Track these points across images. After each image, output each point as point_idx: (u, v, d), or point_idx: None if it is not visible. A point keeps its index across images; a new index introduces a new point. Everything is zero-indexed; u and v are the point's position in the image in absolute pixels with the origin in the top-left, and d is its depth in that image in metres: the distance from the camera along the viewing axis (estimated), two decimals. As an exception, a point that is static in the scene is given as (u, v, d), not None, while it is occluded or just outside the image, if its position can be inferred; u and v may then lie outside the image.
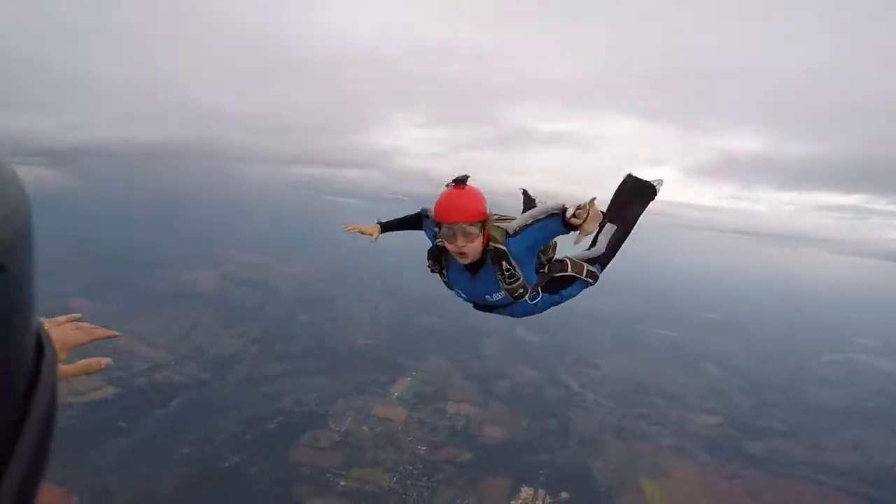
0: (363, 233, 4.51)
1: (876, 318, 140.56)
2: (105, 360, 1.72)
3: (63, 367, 1.63)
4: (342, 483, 42.37)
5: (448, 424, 54.25)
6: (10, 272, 0.58)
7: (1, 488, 0.57)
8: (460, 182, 3.62)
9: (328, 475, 42.98)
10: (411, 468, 45.71)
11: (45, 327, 1.62)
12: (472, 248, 3.59)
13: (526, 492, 44.55)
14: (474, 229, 3.54)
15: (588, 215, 3.14)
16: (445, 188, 3.68)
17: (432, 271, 4.17)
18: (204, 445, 44.14)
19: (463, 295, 4.22)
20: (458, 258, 3.71)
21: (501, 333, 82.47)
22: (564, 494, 44.61)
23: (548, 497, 44.11)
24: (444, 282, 4.22)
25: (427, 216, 4.24)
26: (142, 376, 54.23)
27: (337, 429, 50.01)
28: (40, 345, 0.69)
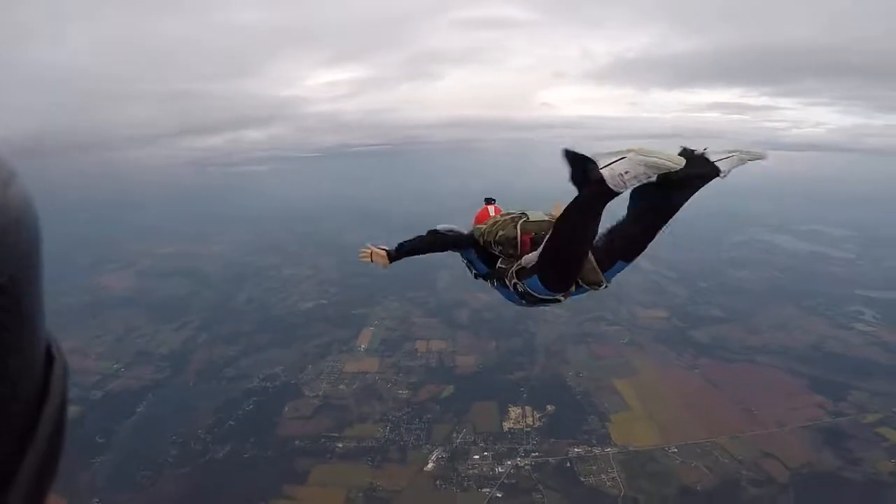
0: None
1: (763, 201, 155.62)
2: None
3: None
4: (339, 445, 42.18)
5: (422, 364, 54.93)
6: (18, 284, 0.56)
7: (9, 500, 0.57)
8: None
9: (323, 441, 42.58)
10: (400, 414, 46.19)
11: None
12: None
13: (514, 411, 46.50)
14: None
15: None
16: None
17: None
18: (189, 442, 42.11)
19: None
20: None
21: (452, 266, 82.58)
22: (549, 407, 46.89)
23: (535, 412, 46.27)
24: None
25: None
26: (96, 389, 50.09)
27: (314, 394, 49.09)
28: (50, 357, 0.69)
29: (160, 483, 37.68)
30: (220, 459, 40.28)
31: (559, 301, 4.88)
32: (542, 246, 4.49)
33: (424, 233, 5.24)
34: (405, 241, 5.25)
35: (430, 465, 39.71)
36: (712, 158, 4.04)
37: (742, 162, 4.20)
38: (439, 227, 5.30)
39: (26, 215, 0.60)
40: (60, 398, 0.68)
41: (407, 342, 59.42)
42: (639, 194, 4.11)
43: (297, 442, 42.29)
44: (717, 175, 4.07)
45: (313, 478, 38.38)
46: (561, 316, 66.17)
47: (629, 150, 3.65)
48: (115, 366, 54.51)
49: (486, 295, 72.37)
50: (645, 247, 4.43)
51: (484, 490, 37.23)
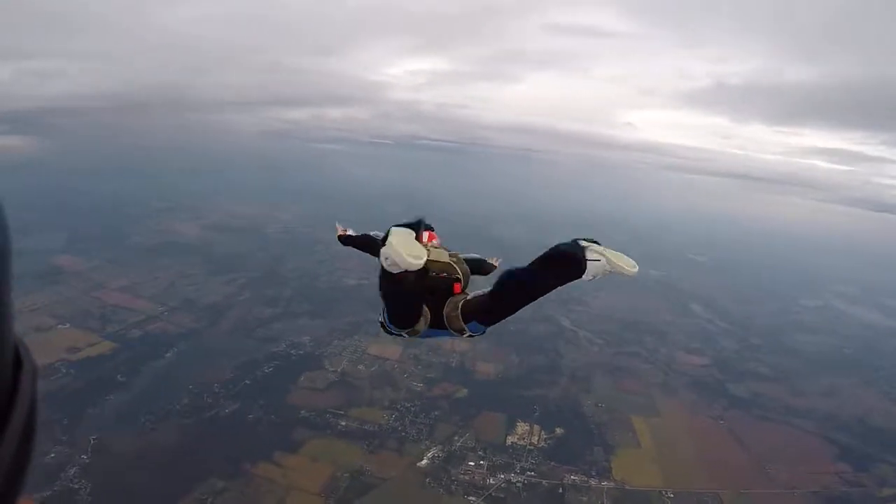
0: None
1: (854, 266, 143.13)
2: None
3: None
4: (342, 423, 43.20)
5: (442, 361, 54.99)
6: None
7: None
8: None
9: (328, 416, 43.75)
10: (409, 405, 46.66)
11: None
12: None
13: (522, 427, 45.81)
14: None
15: None
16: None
17: None
18: (202, 394, 44.35)
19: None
20: None
21: (494, 274, 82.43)
22: (559, 430, 45.91)
23: (543, 432, 45.36)
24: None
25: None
26: (136, 328, 53.84)
27: (333, 369, 50.55)
28: (18, 359, 0.67)
29: (160, 430, 39.66)
30: (225, 416, 42.18)
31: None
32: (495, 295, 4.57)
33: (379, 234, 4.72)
34: (361, 235, 5.35)
35: (423, 462, 39.86)
36: (588, 257, 3.94)
37: (607, 273, 4.04)
38: (373, 233, 5.22)
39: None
40: (29, 404, 0.66)
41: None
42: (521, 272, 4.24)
43: (302, 412, 43.65)
44: (580, 277, 3.97)
45: (306, 449, 39.51)
46: (595, 343, 64.43)
47: (603, 254, 3.89)
48: (160, 309, 58.60)
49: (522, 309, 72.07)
50: (500, 320, 4.69)
51: (469, 498, 37.00)
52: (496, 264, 5.57)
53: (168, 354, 50.04)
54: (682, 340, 68.60)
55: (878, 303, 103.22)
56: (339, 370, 50.47)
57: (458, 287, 4.72)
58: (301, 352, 53.04)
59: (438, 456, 40.68)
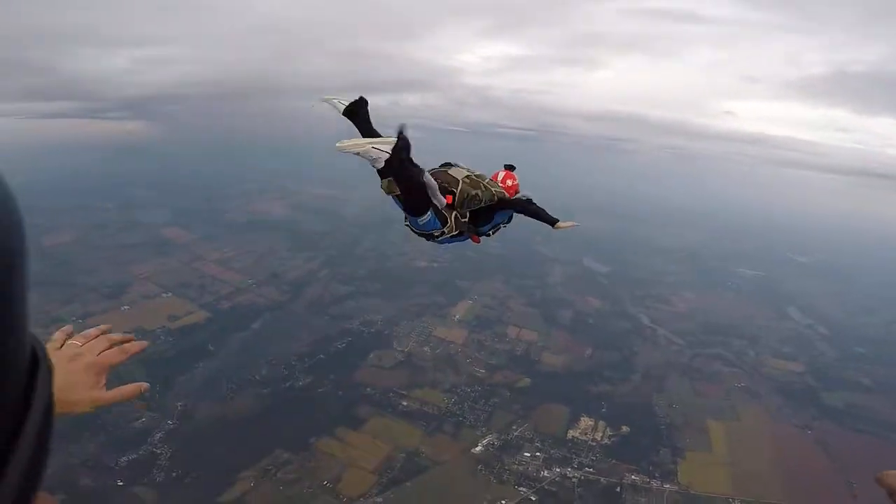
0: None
1: None
2: (144, 385, 1.86)
3: (100, 395, 1.70)
4: (403, 403, 44.83)
5: (507, 349, 55.02)
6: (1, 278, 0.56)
7: None
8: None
9: (391, 395, 45.53)
10: (469, 390, 47.31)
11: (77, 343, 1.80)
12: None
13: (585, 421, 44.77)
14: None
15: None
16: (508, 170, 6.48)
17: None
18: (279, 366, 47.69)
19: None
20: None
21: (567, 262, 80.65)
22: (624, 428, 44.43)
23: (608, 429, 44.06)
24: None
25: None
26: (226, 300, 58.84)
27: (400, 349, 52.40)
28: (35, 361, 0.67)
29: (239, 398, 42.99)
30: (298, 388, 45.14)
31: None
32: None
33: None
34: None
35: (478, 448, 40.42)
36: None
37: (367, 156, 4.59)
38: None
39: (5, 219, 0.58)
40: (46, 401, 0.67)
41: (499, 324, 59.86)
42: None
43: (368, 389, 45.72)
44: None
45: (368, 427, 41.42)
46: (675, 343, 61.14)
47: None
48: (250, 281, 63.64)
49: (599, 301, 70.75)
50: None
51: (520, 489, 37.09)
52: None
53: (254, 325, 54.29)
54: (774, 345, 63.17)
55: None
56: (405, 350, 52.21)
57: (448, 198, 5.45)
58: (371, 330, 55.43)
59: (493, 444, 41.04)
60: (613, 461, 40.43)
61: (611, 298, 70.93)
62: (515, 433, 42.37)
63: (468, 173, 5.70)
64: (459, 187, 5.51)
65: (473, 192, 5.56)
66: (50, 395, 0.70)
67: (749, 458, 42.36)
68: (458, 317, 60.46)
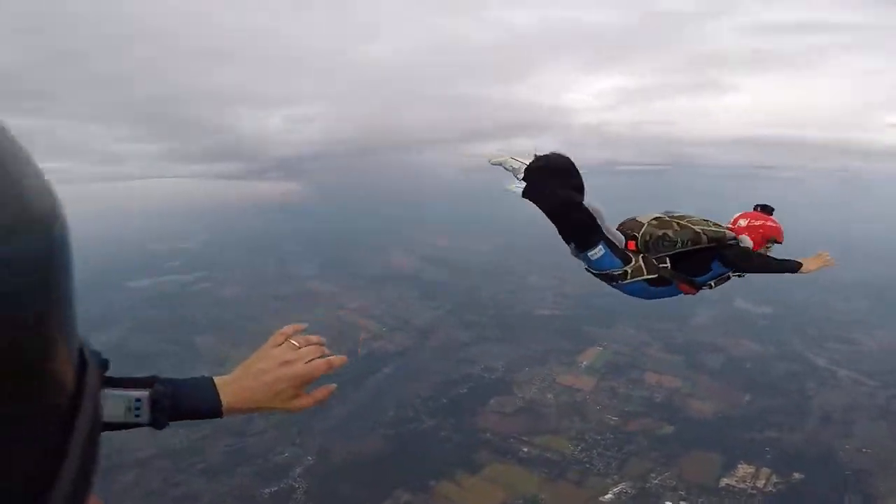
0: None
1: None
2: (333, 386, 1.97)
3: (299, 402, 1.88)
4: (524, 449, 42.89)
5: (645, 395, 50.39)
6: (48, 283, 0.56)
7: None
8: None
9: (511, 440, 43.99)
10: (599, 437, 43.84)
11: (295, 345, 1.92)
12: None
13: (744, 469, 38.68)
14: None
15: None
16: (766, 213, 5.39)
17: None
18: (406, 409, 49.18)
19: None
20: None
21: (715, 303, 72.32)
22: (797, 475, 37.95)
23: (774, 476, 37.62)
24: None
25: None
26: (362, 347, 62.67)
27: (521, 395, 50.81)
28: (83, 360, 0.68)
29: (369, 438, 44.59)
30: (422, 431, 45.71)
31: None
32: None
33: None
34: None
35: (608, 496, 36.70)
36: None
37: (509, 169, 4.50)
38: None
39: (54, 215, 0.59)
40: (94, 404, 0.67)
41: (634, 370, 55.23)
42: None
43: (487, 434, 44.71)
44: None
45: (486, 472, 40.05)
46: (862, 384, 50.54)
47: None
48: (383, 329, 67.61)
49: (757, 344, 61.51)
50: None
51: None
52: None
53: (385, 370, 56.99)
54: None
55: None
56: (527, 397, 50.45)
57: (630, 244, 4.80)
58: (493, 376, 54.76)
59: (627, 492, 37.01)
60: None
61: (774, 341, 61.22)
62: (655, 481, 37.85)
63: (660, 215, 4.97)
64: (643, 229, 4.78)
65: (660, 233, 4.71)
66: (97, 395, 0.68)
67: None
68: (585, 364, 57.00)
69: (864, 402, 47.94)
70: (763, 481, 37.24)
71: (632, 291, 4.82)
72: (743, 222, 5.20)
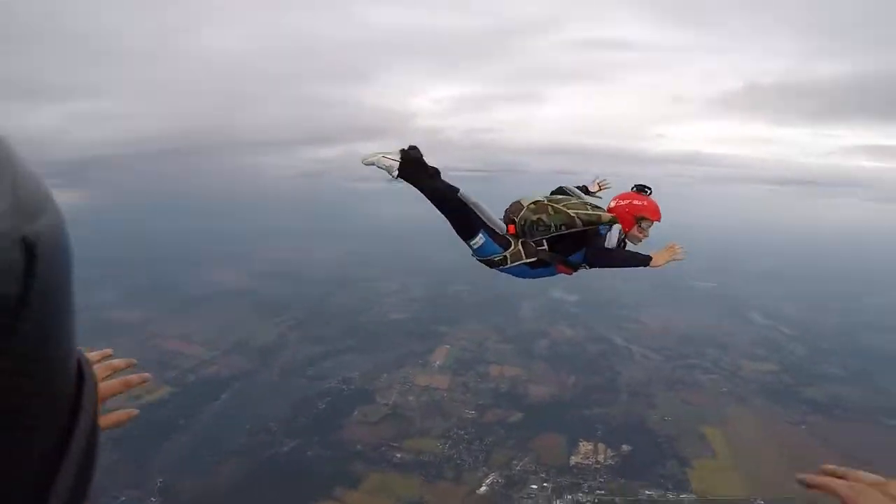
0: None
1: None
2: (134, 412, 1.70)
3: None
4: (398, 455, 42.73)
5: (492, 387, 54.28)
6: (49, 292, 0.55)
7: None
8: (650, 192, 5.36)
9: (383, 448, 43.43)
10: (462, 433, 45.81)
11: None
12: None
13: (585, 446, 44.03)
14: None
15: None
16: (639, 192, 5.33)
17: None
18: (258, 433, 44.90)
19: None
20: (638, 242, 5.28)
21: (536, 296, 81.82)
22: (625, 447, 44.10)
23: (609, 450, 43.59)
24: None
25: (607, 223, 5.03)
26: (191, 373, 55.43)
27: (385, 402, 50.40)
28: (81, 371, 0.69)
29: (223, 469, 40.00)
30: (284, 453, 42.33)
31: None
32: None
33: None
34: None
35: (483, 489, 38.70)
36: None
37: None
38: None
39: (56, 223, 0.58)
40: (92, 415, 0.67)
41: (480, 365, 59.15)
42: None
43: (358, 446, 43.42)
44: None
45: (366, 484, 39.02)
46: (652, 359, 62.26)
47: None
48: (214, 353, 60.16)
49: (572, 329, 71.74)
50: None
51: (536, 523, 35.39)
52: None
53: (224, 396, 51.10)
54: (746, 349, 65.26)
55: None
56: (390, 403, 50.28)
57: (511, 228, 4.97)
58: (352, 387, 53.21)
59: (498, 482, 39.45)
60: (623, 480, 39.79)
61: (583, 325, 71.85)
62: (517, 468, 40.98)
63: (540, 199, 5.01)
64: (521, 213, 4.90)
65: (535, 218, 4.82)
66: (95, 406, 0.69)
67: (754, 458, 42.63)
68: (438, 363, 59.29)
69: (656, 375, 58.21)
70: (602, 456, 42.83)
71: (515, 274, 5.08)
72: (613, 203, 5.29)
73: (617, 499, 37.77)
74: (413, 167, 4.58)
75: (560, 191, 5.41)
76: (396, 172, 4.56)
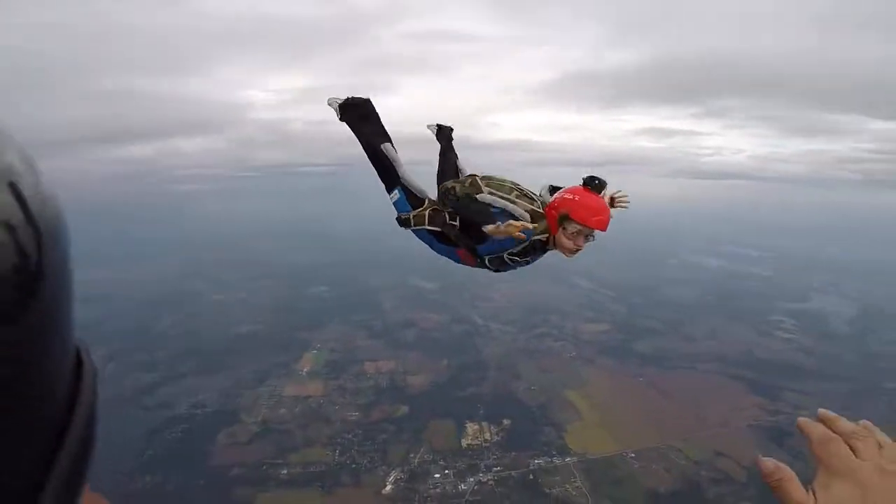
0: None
1: (693, 226, 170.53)
2: None
3: None
4: (283, 472, 38.03)
5: (372, 385, 51.87)
6: (49, 281, 0.56)
7: (44, 501, 0.58)
8: (601, 189, 3.88)
9: (264, 467, 38.24)
10: (350, 436, 42.65)
11: None
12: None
13: (471, 427, 44.61)
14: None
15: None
16: (584, 187, 3.87)
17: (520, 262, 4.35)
18: (103, 476, 35.03)
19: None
20: (569, 253, 3.97)
21: (396, 287, 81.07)
22: (506, 422, 45.57)
23: (492, 427, 44.69)
24: (515, 263, 4.39)
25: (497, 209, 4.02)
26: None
27: (252, 420, 44.34)
28: (79, 361, 0.69)
29: None
30: (142, 492, 34.85)
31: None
32: None
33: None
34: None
35: (388, 488, 36.51)
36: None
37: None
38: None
39: (57, 214, 0.59)
40: (90, 401, 0.68)
41: (354, 364, 55.95)
42: None
43: (234, 470, 37.58)
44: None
45: (258, 508, 33.54)
46: (507, 332, 66.06)
47: None
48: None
49: (436, 314, 72.44)
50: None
51: (450, 509, 34.37)
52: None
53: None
54: (581, 312, 73.30)
55: (716, 251, 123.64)
56: (259, 419, 44.39)
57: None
58: (208, 410, 45.68)
59: (401, 478, 37.68)
60: (513, 453, 41.02)
61: (446, 309, 73.30)
62: (416, 461, 39.57)
63: (485, 175, 4.34)
64: (445, 187, 4.30)
65: (450, 185, 4.23)
66: (94, 394, 0.70)
67: (614, 415, 47.23)
68: (306, 370, 54.33)
69: (514, 347, 61.97)
70: (488, 434, 43.77)
71: (423, 240, 4.55)
72: (552, 196, 4.24)
73: (513, 473, 38.77)
74: (352, 112, 4.49)
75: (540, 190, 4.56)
76: (339, 114, 4.53)
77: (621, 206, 4.29)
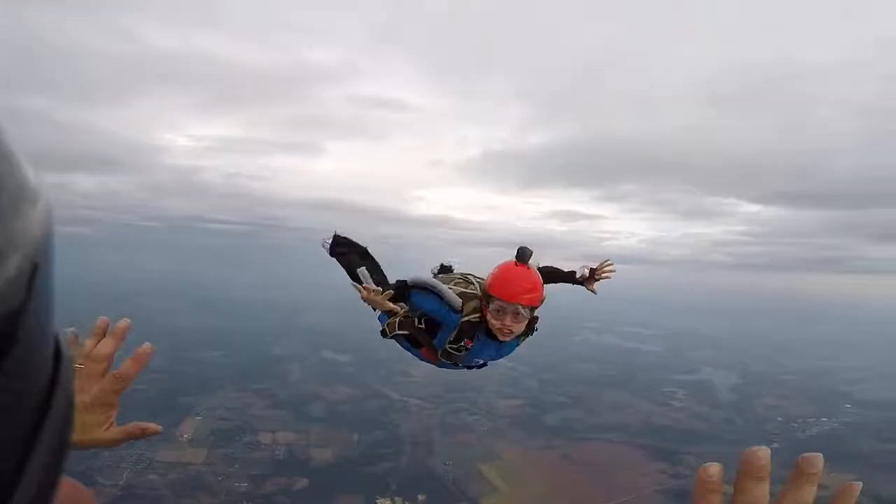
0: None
1: (594, 306, 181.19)
2: (156, 428, 1.52)
3: (108, 436, 1.40)
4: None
5: (266, 455, 45.44)
6: (40, 273, 0.59)
7: (19, 492, 0.58)
8: (525, 259, 3.46)
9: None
10: (238, 508, 35.39)
11: (80, 366, 1.40)
12: (519, 327, 3.52)
13: (383, 502, 40.47)
14: (528, 313, 3.46)
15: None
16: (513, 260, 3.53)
17: (461, 349, 3.86)
18: None
19: (479, 361, 4.20)
20: (500, 334, 3.55)
21: (305, 357, 74.88)
22: (421, 497, 42.02)
23: (406, 503, 40.97)
24: (460, 354, 3.93)
25: (429, 289, 3.91)
26: None
27: (113, 483, 35.95)
28: (58, 351, 0.69)
29: None
30: None
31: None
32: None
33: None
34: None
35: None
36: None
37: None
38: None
39: (46, 206, 0.60)
40: (68, 393, 0.67)
41: (247, 434, 48.96)
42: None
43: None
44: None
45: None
46: (424, 408, 62.65)
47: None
48: None
49: (348, 387, 66.93)
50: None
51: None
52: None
53: None
54: (497, 388, 72.04)
55: (614, 331, 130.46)
56: (121, 483, 36.29)
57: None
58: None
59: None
60: (428, 529, 36.37)
61: (359, 384, 68.42)
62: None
63: (465, 274, 4.59)
64: None
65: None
66: (71, 385, 0.69)
67: (528, 487, 45.53)
68: (187, 436, 46.39)
69: (430, 422, 58.70)
70: None
71: (402, 347, 4.45)
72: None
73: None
74: (341, 248, 4.70)
75: (442, 269, 5.02)
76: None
77: (605, 277, 4.26)
